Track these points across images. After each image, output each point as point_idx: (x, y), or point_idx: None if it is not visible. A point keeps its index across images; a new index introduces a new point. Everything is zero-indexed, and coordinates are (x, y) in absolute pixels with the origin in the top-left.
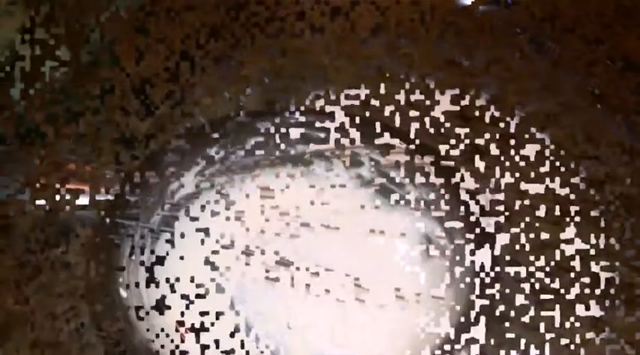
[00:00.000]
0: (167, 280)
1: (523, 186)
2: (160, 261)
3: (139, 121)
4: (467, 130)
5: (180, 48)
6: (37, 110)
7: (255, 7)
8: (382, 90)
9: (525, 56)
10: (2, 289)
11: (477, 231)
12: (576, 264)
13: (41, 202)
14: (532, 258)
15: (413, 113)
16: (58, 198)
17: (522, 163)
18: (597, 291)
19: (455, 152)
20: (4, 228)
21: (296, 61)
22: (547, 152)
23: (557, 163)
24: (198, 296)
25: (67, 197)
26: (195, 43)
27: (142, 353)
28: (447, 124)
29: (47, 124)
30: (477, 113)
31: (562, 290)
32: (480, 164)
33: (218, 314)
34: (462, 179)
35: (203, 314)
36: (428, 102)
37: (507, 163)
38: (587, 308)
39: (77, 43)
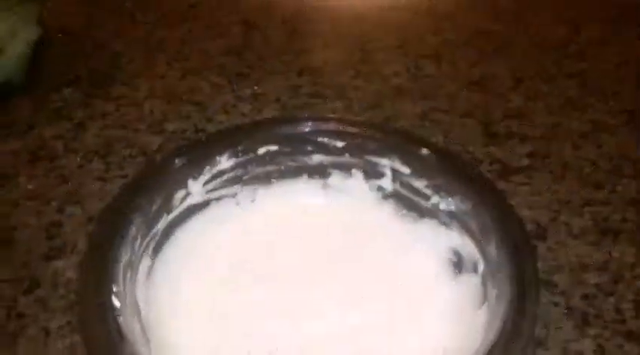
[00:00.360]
0: (167, 279)
1: (554, 202)
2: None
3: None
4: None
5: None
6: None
7: None
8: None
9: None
10: None
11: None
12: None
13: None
14: (564, 276)
15: (436, 127)
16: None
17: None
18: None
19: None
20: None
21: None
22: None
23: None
24: (197, 296)
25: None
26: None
27: None
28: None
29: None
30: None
31: (597, 309)
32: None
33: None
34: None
35: (202, 314)
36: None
37: (539, 179)
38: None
39: None
